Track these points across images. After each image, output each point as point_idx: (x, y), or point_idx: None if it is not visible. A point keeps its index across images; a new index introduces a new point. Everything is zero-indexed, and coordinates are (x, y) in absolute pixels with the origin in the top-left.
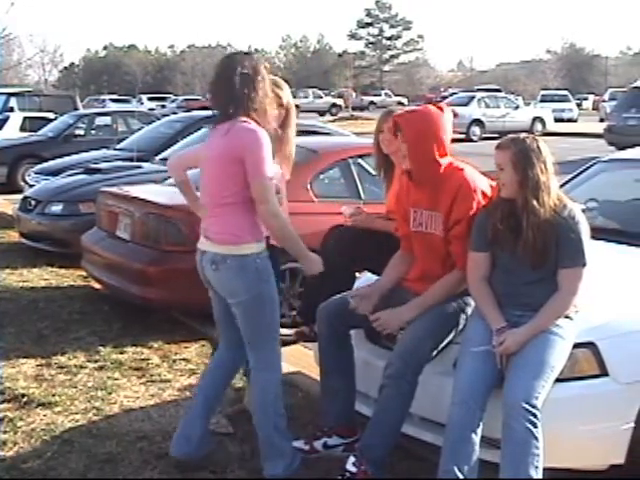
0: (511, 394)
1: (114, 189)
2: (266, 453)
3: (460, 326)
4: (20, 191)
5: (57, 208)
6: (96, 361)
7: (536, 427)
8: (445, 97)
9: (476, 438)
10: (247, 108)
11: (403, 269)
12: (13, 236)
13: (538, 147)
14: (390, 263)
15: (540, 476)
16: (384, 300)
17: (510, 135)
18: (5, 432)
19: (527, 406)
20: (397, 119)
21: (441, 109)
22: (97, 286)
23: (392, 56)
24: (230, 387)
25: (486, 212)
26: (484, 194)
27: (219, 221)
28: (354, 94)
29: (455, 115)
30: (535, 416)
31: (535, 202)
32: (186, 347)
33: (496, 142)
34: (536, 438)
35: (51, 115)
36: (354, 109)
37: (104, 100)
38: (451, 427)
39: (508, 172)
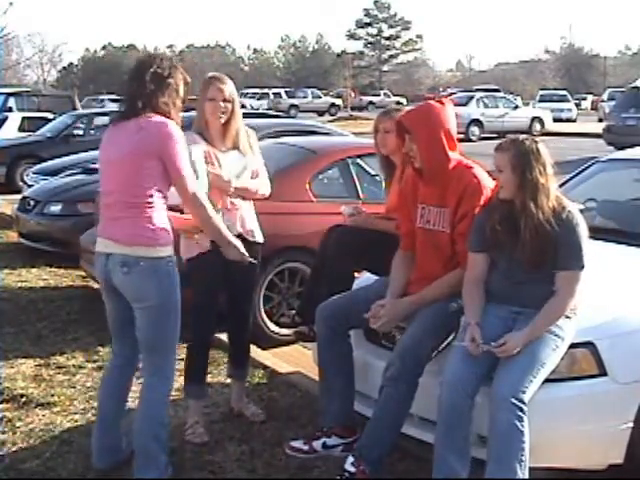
0: (499, 387)
1: None
2: (140, 463)
3: (460, 327)
4: (19, 191)
5: (56, 208)
6: (95, 361)
7: (522, 421)
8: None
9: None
10: (156, 106)
11: (408, 269)
12: (12, 236)
13: (537, 149)
14: (394, 266)
15: (525, 470)
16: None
17: (510, 136)
18: (4, 432)
19: (514, 400)
20: (402, 120)
21: (442, 102)
22: (96, 286)
23: (391, 56)
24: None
25: (485, 213)
26: (491, 192)
27: (130, 222)
28: (353, 94)
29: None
30: (522, 410)
31: (533, 204)
32: (185, 347)
33: (495, 142)
34: (521, 432)
35: (50, 115)
36: (353, 109)
37: (103, 100)
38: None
39: (507, 174)
